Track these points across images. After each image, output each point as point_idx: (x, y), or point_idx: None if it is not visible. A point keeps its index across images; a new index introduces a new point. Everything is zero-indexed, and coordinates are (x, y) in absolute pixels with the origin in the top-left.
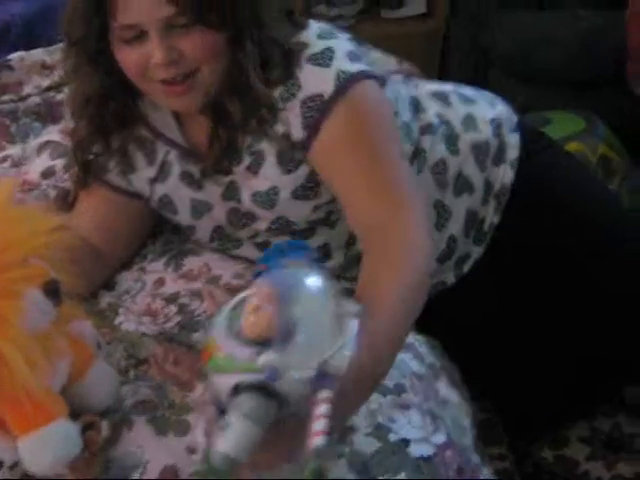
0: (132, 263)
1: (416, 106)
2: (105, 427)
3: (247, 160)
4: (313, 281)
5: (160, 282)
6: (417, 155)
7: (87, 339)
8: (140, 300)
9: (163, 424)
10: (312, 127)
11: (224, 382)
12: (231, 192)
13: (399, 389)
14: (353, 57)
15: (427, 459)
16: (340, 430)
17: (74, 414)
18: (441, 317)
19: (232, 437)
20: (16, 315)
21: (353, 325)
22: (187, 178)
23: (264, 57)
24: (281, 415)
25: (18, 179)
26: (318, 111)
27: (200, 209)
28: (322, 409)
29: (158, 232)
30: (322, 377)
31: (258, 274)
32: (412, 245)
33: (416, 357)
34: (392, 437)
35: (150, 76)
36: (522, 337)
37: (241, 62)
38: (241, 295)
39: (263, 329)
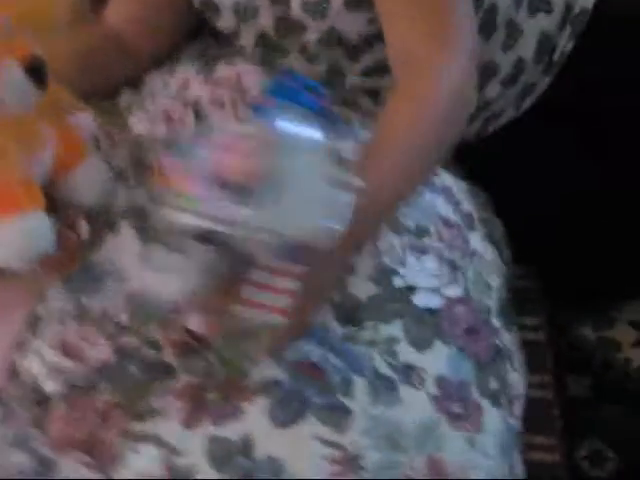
0: (163, 64)
1: None
2: (85, 229)
3: None
4: (314, 139)
5: (185, 85)
6: None
7: (83, 133)
8: (159, 102)
9: (151, 235)
10: None
11: (183, 221)
12: None
13: (420, 231)
14: None
15: (433, 311)
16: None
17: (57, 210)
18: (491, 165)
19: (176, 283)
20: None
21: (347, 198)
22: None
23: None
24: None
25: None
26: None
27: (245, 12)
28: (290, 284)
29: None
30: (297, 248)
31: (257, 108)
32: (447, 84)
33: (449, 202)
34: (397, 282)
35: None
36: (578, 196)
37: None
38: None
39: (243, 176)
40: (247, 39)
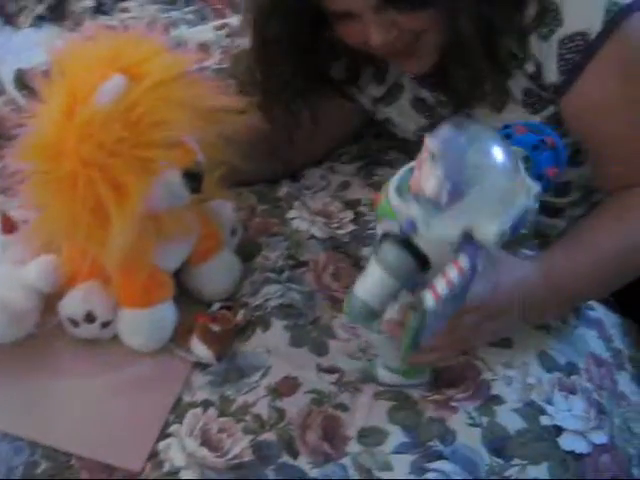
0: (324, 160)
1: None
2: (241, 314)
3: (489, 98)
4: (491, 145)
5: (345, 185)
6: None
7: (222, 223)
8: (319, 198)
9: (301, 336)
10: (571, 72)
11: (378, 230)
12: None
13: (570, 369)
14: None
15: (578, 456)
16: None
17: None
18: None
19: (366, 282)
20: (140, 192)
21: (522, 202)
22: (419, 105)
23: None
24: (423, 277)
25: (194, 57)
26: (580, 53)
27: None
28: (450, 271)
29: (359, 135)
30: (466, 244)
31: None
32: None
33: (602, 337)
34: (543, 420)
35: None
36: None
37: (460, 32)
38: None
39: (419, 184)
40: None
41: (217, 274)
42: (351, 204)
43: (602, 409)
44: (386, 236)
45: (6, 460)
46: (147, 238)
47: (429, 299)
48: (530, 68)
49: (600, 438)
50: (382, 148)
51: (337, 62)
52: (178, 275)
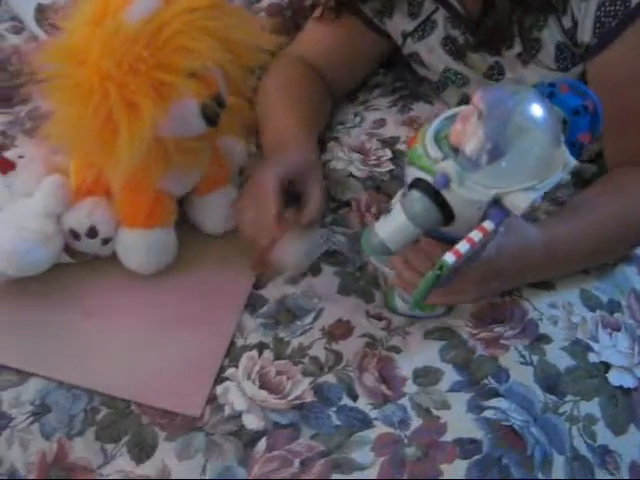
0: (356, 93)
1: None
2: None
3: (518, 47)
4: (539, 113)
5: (380, 122)
6: None
7: (232, 160)
8: (355, 135)
9: (349, 283)
10: (605, 36)
11: (409, 174)
12: (495, 72)
13: (612, 306)
14: None
15: (626, 391)
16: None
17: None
18: None
19: (389, 226)
20: (153, 115)
21: (557, 175)
22: (449, 44)
23: None
24: (444, 230)
25: None
26: (618, 19)
27: (453, 79)
28: (474, 234)
29: (393, 62)
30: (495, 208)
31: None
32: None
33: None
34: (591, 357)
35: None
36: None
37: None
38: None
39: (461, 138)
40: (451, 97)
41: (220, 207)
42: (389, 142)
43: None
44: (415, 185)
45: (65, 408)
46: (155, 161)
47: (449, 256)
48: (567, 23)
49: None
50: (415, 79)
51: None
52: (181, 205)
